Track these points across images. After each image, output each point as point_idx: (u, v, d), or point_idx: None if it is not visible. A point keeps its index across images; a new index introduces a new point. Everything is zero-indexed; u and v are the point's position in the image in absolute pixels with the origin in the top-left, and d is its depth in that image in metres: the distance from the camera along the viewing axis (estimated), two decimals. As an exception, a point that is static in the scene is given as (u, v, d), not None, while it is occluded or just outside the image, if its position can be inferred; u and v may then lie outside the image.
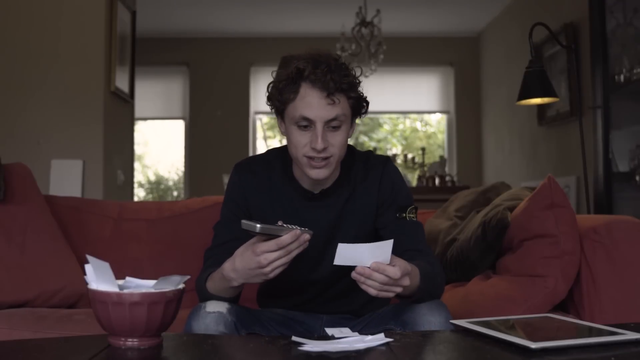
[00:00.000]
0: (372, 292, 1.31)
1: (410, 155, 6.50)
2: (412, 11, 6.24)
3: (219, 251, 1.57)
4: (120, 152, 4.18)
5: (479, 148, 6.94)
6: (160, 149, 7.91)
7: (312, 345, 1.19)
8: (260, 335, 1.48)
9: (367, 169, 1.65)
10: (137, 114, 4.91)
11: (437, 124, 7.63)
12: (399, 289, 1.32)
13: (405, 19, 6.41)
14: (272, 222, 1.34)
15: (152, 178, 8.10)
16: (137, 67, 4.50)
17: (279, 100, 1.53)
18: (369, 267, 1.29)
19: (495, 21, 6.48)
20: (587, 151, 2.95)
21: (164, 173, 8.04)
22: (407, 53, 6.85)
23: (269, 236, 1.32)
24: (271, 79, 1.58)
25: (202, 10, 6.18)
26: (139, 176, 7.88)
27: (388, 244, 1.29)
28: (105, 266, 1.18)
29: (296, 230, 1.32)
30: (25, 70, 3.77)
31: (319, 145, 1.49)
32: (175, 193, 7.83)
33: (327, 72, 1.47)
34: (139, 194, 7.83)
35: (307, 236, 1.34)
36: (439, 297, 1.52)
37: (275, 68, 1.65)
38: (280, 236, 1.31)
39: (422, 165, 6.16)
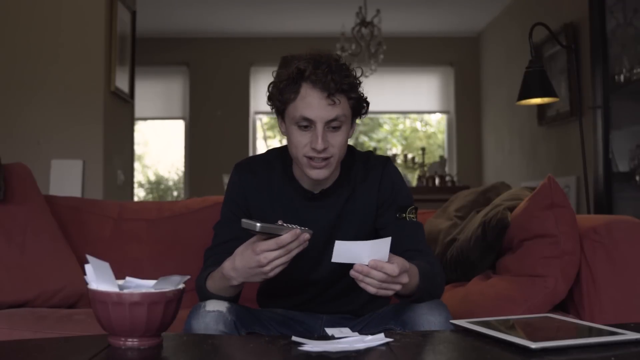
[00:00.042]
0: (371, 290, 1.30)
1: (410, 155, 6.50)
2: (412, 11, 6.24)
3: (219, 251, 1.57)
4: (120, 152, 4.19)
5: (479, 148, 6.94)
6: (160, 149, 7.91)
7: (312, 345, 1.19)
8: (260, 335, 1.48)
9: (367, 169, 1.65)
10: (137, 114, 4.91)
11: (437, 124, 7.64)
12: (398, 287, 1.32)
13: (405, 19, 6.41)
14: (272, 222, 1.34)
15: (152, 178, 8.10)
16: (137, 67, 4.50)
17: (280, 100, 1.53)
18: (367, 265, 1.29)
19: (495, 21, 6.48)
20: (587, 151, 2.95)
21: (164, 173, 8.04)
22: (407, 53, 6.85)
23: (268, 235, 1.32)
24: (271, 79, 1.58)
25: (202, 10, 6.18)
26: (139, 176, 7.88)
27: (386, 242, 1.29)
28: (105, 266, 1.18)
29: (296, 229, 1.32)
30: (25, 70, 3.77)
31: (319, 145, 1.49)
32: (175, 193, 7.83)
33: (327, 72, 1.47)
34: (139, 194, 7.83)
35: (306, 235, 1.34)
36: (438, 297, 1.52)
37: (275, 68, 1.65)
38: (280, 235, 1.31)
39: (422, 165, 6.16)
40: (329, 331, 1.45)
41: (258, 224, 1.29)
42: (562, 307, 1.94)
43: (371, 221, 1.63)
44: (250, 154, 6.85)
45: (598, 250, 1.85)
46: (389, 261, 1.30)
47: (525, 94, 2.70)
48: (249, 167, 1.66)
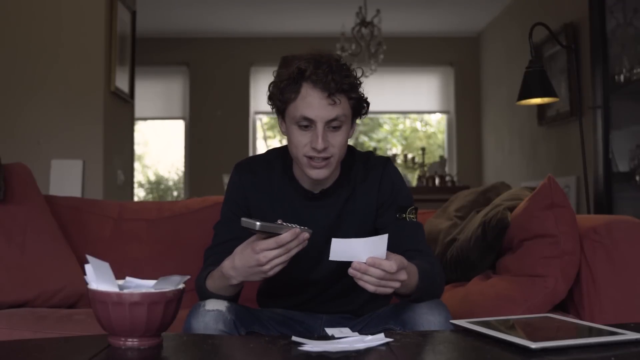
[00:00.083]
0: (370, 288, 1.30)
1: (410, 155, 6.50)
2: (412, 11, 6.24)
3: (219, 250, 1.57)
4: (120, 152, 4.19)
5: (479, 148, 6.94)
6: (160, 149, 7.91)
7: (312, 345, 1.19)
8: (260, 335, 1.48)
9: (367, 170, 1.65)
10: (137, 114, 4.91)
11: (437, 124, 7.64)
12: (396, 284, 1.32)
13: (405, 19, 6.41)
14: (272, 221, 1.34)
15: (152, 178, 8.10)
16: (137, 67, 4.50)
17: (280, 100, 1.53)
18: (364, 263, 1.29)
19: (495, 21, 6.48)
20: (587, 151, 2.95)
21: (164, 173, 8.04)
22: (407, 53, 6.85)
23: (268, 234, 1.32)
24: (271, 79, 1.58)
25: (202, 10, 6.18)
26: (139, 176, 7.88)
27: (383, 239, 1.29)
28: (105, 266, 1.18)
29: (295, 228, 1.32)
30: (25, 70, 3.77)
31: (320, 145, 1.49)
32: (175, 193, 7.83)
33: (328, 72, 1.48)
34: (139, 194, 7.83)
35: (306, 235, 1.34)
36: (438, 297, 1.52)
37: (275, 68, 1.66)
38: (280, 234, 1.31)
39: (422, 165, 6.16)
40: (329, 331, 1.45)
41: (257, 223, 1.29)
42: (562, 307, 1.94)
43: (371, 221, 1.63)
44: (250, 154, 6.85)
45: (598, 250, 1.85)
46: (387, 258, 1.30)
47: (525, 94, 2.70)
48: (249, 167, 1.67)
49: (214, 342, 1.28)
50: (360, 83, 1.55)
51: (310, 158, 1.52)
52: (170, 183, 7.97)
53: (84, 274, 1.21)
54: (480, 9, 6.22)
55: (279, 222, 1.35)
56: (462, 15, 6.41)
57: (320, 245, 1.57)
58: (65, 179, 3.54)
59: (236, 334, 1.44)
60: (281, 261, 1.34)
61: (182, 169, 7.21)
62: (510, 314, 1.75)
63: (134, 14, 4.39)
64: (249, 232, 1.34)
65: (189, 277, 1.24)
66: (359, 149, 1.73)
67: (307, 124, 1.51)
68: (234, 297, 1.51)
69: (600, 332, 1.28)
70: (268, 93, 1.58)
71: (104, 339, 1.23)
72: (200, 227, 2.21)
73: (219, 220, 1.65)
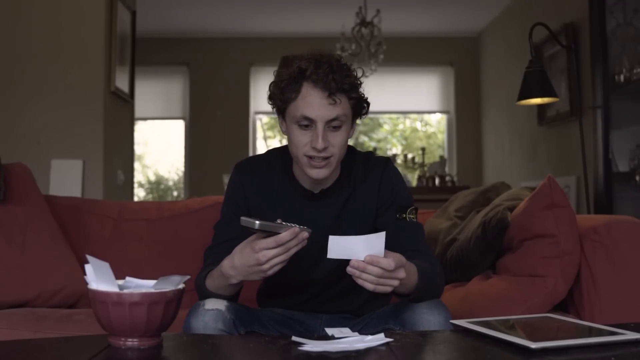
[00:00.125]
0: (369, 286, 1.30)
1: (410, 155, 6.50)
2: (412, 11, 6.24)
3: (219, 250, 1.57)
4: (120, 152, 4.19)
5: (479, 148, 6.94)
6: (160, 149, 7.91)
7: (312, 345, 1.19)
8: (260, 335, 1.48)
9: (367, 170, 1.65)
10: (137, 114, 4.91)
11: (437, 124, 7.63)
12: (395, 282, 1.32)
13: (405, 19, 6.41)
14: (272, 221, 1.34)
15: (152, 178, 8.10)
16: (137, 67, 4.50)
17: (281, 100, 1.54)
18: (363, 261, 1.29)
19: (495, 21, 6.48)
20: (587, 151, 2.95)
21: (164, 173, 8.04)
22: (407, 53, 6.85)
23: (267, 233, 1.32)
24: (271, 79, 1.59)
25: (202, 10, 6.18)
26: (139, 176, 7.88)
27: (380, 236, 1.29)
28: (105, 266, 1.18)
29: (295, 227, 1.32)
30: (26, 70, 3.77)
31: (320, 144, 1.49)
32: (175, 193, 7.83)
33: (329, 72, 1.48)
34: (139, 194, 7.83)
35: (305, 234, 1.34)
36: (438, 297, 1.52)
37: (275, 68, 1.66)
38: (279, 233, 1.31)
39: (422, 165, 6.16)
40: (329, 331, 1.45)
41: (257, 222, 1.29)
42: (562, 307, 1.94)
43: (371, 221, 1.63)
44: (250, 154, 6.85)
45: (598, 250, 1.85)
46: (385, 256, 1.30)
47: (525, 94, 2.70)
48: (249, 167, 1.67)
49: (214, 342, 1.28)
50: (361, 83, 1.56)
51: (310, 158, 1.52)
52: (170, 183, 7.97)
53: (84, 274, 1.21)
54: (480, 9, 6.22)
55: (279, 221, 1.35)
56: (462, 15, 6.41)
57: (320, 245, 1.57)
58: (65, 179, 3.54)
59: (235, 334, 1.44)
60: (280, 260, 1.34)
61: (182, 169, 7.21)
62: (510, 314, 1.75)
63: (134, 14, 4.39)
64: (248, 232, 1.34)
65: (189, 277, 1.24)
66: (359, 149, 1.73)
67: (308, 123, 1.51)
68: (233, 296, 1.51)
69: (600, 332, 1.28)
70: (268, 93, 1.58)
71: (104, 339, 1.23)
72: (200, 227, 2.21)
73: (219, 220, 1.66)
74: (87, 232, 2.27)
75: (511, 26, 5.96)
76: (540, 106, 4.93)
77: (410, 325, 1.43)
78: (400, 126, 8.02)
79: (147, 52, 5.97)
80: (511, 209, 2.02)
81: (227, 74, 6.91)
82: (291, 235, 1.32)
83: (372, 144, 7.82)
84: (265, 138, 7.35)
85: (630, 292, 1.83)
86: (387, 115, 7.69)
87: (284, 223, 1.34)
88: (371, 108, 1.63)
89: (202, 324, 1.42)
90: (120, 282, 1.22)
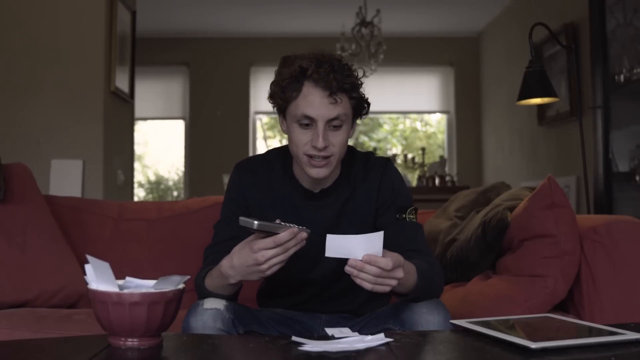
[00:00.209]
0: (367, 286, 1.30)
1: (410, 155, 6.50)
2: (412, 11, 6.24)
3: (219, 249, 1.57)
4: (120, 152, 4.19)
5: (479, 148, 6.94)
6: (160, 149, 7.91)
7: (312, 345, 1.19)
8: (260, 335, 1.48)
9: (367, 170, 1.65)
10: (137, 114, 4.91)
11: (437, 124, 7.64)
12: (393, 282, 1.32)
13: (405, 19, 6.41)
14: (271, 221, 1.34)
15: (152, 178, 8.10)
16: (137, 67, 4.50)
17: (282, 98, 1.54)
18: (361, 260, 1.29)
19: (495, 21, 6.48)
20: (587, 151, 2.96)
21: (164, 173, 8.04)
22: (407, 53, 6.85)
23: (266, 233, 1.32)
24: (271, 79, 1.59)
25: (202, 10, 6.18)
26: (139, 176, 7.88)
27: (378, 236, 1.29)
28: (105, 266, 1.18)
29: (294, 228, 1.33)
30: (25, 70, 3.77)
31: (320, 143, 1.49)
32: (175, 193, 7.83)
33: (330, 71, 1.48)
34: (139, 194, 7.83)
35: (304, 234, 1.34)
36: (437, 297, 1.52)
37: (275, 68, 1.66)
38: (278, 234, 1.31)
39: (422, 165, 6.16)
40: (329, 331, 1.45)
41: (255, 222, 1.29)
42: (562, 307, 1.94)
43: (371, 221, 1.63)
44: (250, 154, 6.85)
45: (598, 250, 1.85)
46: (383, 256, 1.30)
47: (525, 94, 2.70)
48: (249, 167, 1.67)
49: (214, 342, 1.28)
50: (362, 83, 1.56)
51: (310, 157, 1.52)
52: (170, 183, 7.97)
53: (84, 274, 1.21)
54: (480, 9, 6.22)
55: (277, 221, 1.35)
56: (462, 15, 6.41)
57: (319, 245, 1.57)
58: (65, 179, 3.54)
59: (234, 333, 1.44)
60: (279, 260, 1.34)
61: (182, 169, 7.21)
62: (510, 314, 1.75)
63: (134, 14, 4.39)
64: (247, 231, 1.34)
65: (189, 277, 1.24)
66: (359, 149, 1.73)
67: (308, 122, 1.51)
68: (232, 296, 1.51)
69: (600, 332, 1.28)
70: (269, 92, 1.58)
71: (104, 339, 1.23)
72: (200, 227, 2.21)
73: (218, 220, 1.66)
74: (87, 232, 2.27)
75: (511, 26, 5.96)
76: (540, 106, 4.93)
77: (409, 325, 1.43)
78: (400, 126, 8.02)
79: (147, 52, 5.97)
80: (511, 209, 2.02)
81: (227, 74, 6.91)
82: (290, 236, 1.32)
83: (372, 144, 7.82)
84: (265, 138, 7.35)
85: (630, 292, 1.83)
86: (387, 115, 7.69)
87: (282, 223, 1.34)
88: (371, 108, 1.63)
89: (201, 323, 1.42)
90: (120, 282, 1.22)
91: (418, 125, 7.91)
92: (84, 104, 3.78)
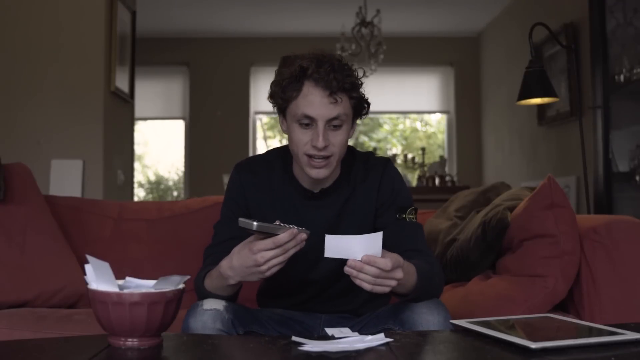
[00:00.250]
0: (366, 286, 1.30)
1: (410, 155, 6.50)
2: (412, 11, 6.24)
3: (219, 249, 1.57)
4: (120, 152, 4.19)
5: (479, 148, 6.94)
6: (160, 149, 7.91)
7: (312, 345, 1.19)
8: (260, 335, 1.48)
9: (367, 170, 1.65)
10: (137, 114, 4.91)
11: (437, 124, 7.63)
12: (393, 283, 1.32)
13: (405, 19, 6.41)
14: (271, 221, 1.34)
15: (152, 178, 8.10)
16: (137, 67, 4.50)
17: (282, 98, 1.54)
18: (360, 261, 1.29)
19: (495, 21, 6.48)
20: (587, 151, 2.95)
21: (164, 173, 8.04)
22: (407, 53, 6.85)
23: (266, 234, 1.32)
24: (271, 79, 1.59)
25: (202, 10, 6.18)
26: (139, 176, 7.88)
27: (377, 236, 1.29)
28: (105, 266, 1.18)
29: (293, 229, 1.32)
30: (25, 70, 3.77)
31: (320, 143, 1.49)
32: (175, 193, 7.83)
33: (330, 71, 1.48)
34: (139, 194, 7.83)
35: (303, 235, 1.34)
36: (437, 297, 1.52)
37: (275, 68, 1.66)
38: (277, 235, 1.31)
39: (422, 165, 6.16)
40: (329, 331, 1.45)
41: (255, 223, 1.29)
42: (562, 307, 1.94)
43: (371, 221, 1.63)
44: (250, 154, 6.85)
45: (598, 250, 1.85)
46: (382, 256, 1.30)
47: (525, 94, 2.70)
48: (249, 167, 1.67)
49: (214, 342, 1.28)
50: (362, 83, 1.56)
51: (310, 157, 1.52)
52: (170, 183, 7.97)
53: (84, 274, 1.21)
54: (480, 9, 6.22)
55: (277, 222, 1.35)
56: (462, 15, 6.41)
57: (319, 245, 1.57)
58: (65, 179, 3.54)
59: (234, 334, 1.44)
60: (278, 262, 1.34)
61: (182, 169, 7.21)
62: (510, 314, 1.75)
63: (134, 14, 4.39)
64: (247, 232, 1.34)
65: (189, 277, 1.24)
66: (359, 149, 1.73)
67: (308, 122, 1.51)
68: (232, 296, 1.51)
69: (600, 332, 1.28)
70: (269, 91, 1.58)
71: (104, 339, 1.23)
72: (200, 227, 2.21)
73: (218, 220, 1.66)
74: (87, 232, 2.27)
75: (511, 26, 5.96)
76: (540, 106, 4.93)
77: (409, 325, 1.43)
78: (400, 126, 8.02)
79: (147, 52, 5.97)
80: (511, 209, 2.02)
81: (227, 74, 6.91)
82: (289, 237, 1.32)
83: (372, 144, 7.82)
84: (265, 138, 7.35)
85: (630, 292, 1.82)
86: (387, 115, 7.69)
87: (282, 224, 1.34)
88: (371, 108, 1.63)
89: (200, 324, 1.42)
90: (120, 282, 1.22)
91: (418, 125, 7.91)
92: (84, 104, 3.78)
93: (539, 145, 5.26)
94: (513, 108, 5.72)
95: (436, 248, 2.20)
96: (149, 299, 1.16)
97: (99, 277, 1.18)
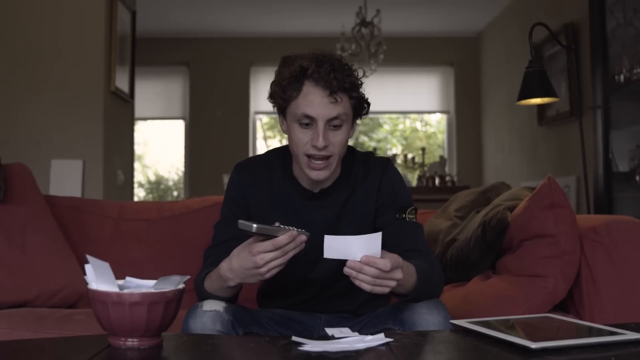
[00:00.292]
0: (366, 287, 1.30)
1: (410, 155, 6.50)
2: (412, 11, 6.24)
3: (219, 250, 1.57)
4: (120, 152, 4.19)
5: (479, 148, 6.94)
6: (160, 149, 7.91)
7: (312, 345, 1.19)
8: (260, 335, 1.48)
9: (367, 170, 1.65)
10: (137, 114, 4.91)
11: (437, 124, 7.64)
12: (392, 283, 1.32)
13: (405, 19, 6.41)
14: (270, 223, 1.34)
15: (152, 178, 8.10)
16: (137, 67, 4.50)
17: (282, 98, 1.54)
18: (359, 262, 1.29)
19: (495, 21, 6.48)
20: (587, 151, 2.96)
21: (164, 173, 8.04)
22: (407, 53, 6.85)
23: (265, 236, 1.32)
24: (271, 79, 1.59)
25: (202, 10, 6.18)
26: (139, 176, 7.88)
27: (377, 237, 1.29)
28: (105, 266, 1.18)
29: (293, 231, 1.32)
30: (26, 70, 3.77)
31: (320, 143, 1.49)
32: (175, 193, 7.83)
33: (330, 71, 1.48)
34: (139, 194, 7.83)
35: (303, 237, 1.34)
36: (437, 297, 1.52)
37: (275, 68, 1.67)
38: (277, 237, 1.31)
39: (422, 165, 6.16)
40: (329, 331, 1.45)
41: (254, 225, 1.29)
42: (562, 307, 1.94)
43: (371, 221, 1.63)
44: (250, 154, 6.85)
45: (598, 250, 1.85)
46: (382, 257, 1.30)
47: (525, 94, 2.70)
48: (249, 167, 1.67)
49: (214, 342, 1.28)
50: (362, 83, 1.56)
51: (310, 157, 1.52)
52: (170, 183, 7.97)
53: (84, 274, 1.21)
54: (480, 9, 6.22)
55: (277, 224, 1.35)
56: (462, 15, 6.41)
57: (319, 245, 1.57)
58: (65, 179, 3.54)
59: (234, 335, 1.44)
60: (278, 264, 1.34)
61: (182, 169, 7.21)
62: (510, 314, 1.75)
63: (134, 14, 4.40)
64: (246, 234, 1.34)
65: (189, 277, 1.24)
66: (359, 149, 1.73)
67: (308, 122, 1.51)
68: (232, 298, 1.51)
69: (600, 332, 1.28)
70: (269, 91, 1.58)
71: (104, 339, 1.23)
72: (200, 227, 2.21)
73: (218, 221, 1.66)
74: (87, 232, 2.27)
75: (511, 26, 5.96)
76: (540, 106, 4.93)
77: (409, 325, 1.43)
78: (400, 126, 8.02)
79: (147, 52, 5.97)
80: (511, 209, 2.02)
81: (227, 74, 6.91)
82: (289, 239, 1.32)
83: (372, 144, 7.82)
84: (265, 138, 7.35)
85: (630, 292, 1.82)
86: (387, 115, 7.69)
87: (281, 226, 1.34)
88: (371, 108, 1.63)
89: (200, 325, 1.42)
90: (120, 282, 1.22)
91: (418, 125, 7.91)
92: (84, 104, 3.78)
93: (539, 145, 5.26)
94: (513, 108, 5.72)
95: (436, 248, 2.20)
96: (149, 299, 1.16)
97: (99, 277, 1.18)
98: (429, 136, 7.76)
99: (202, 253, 1.64)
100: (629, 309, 1.81)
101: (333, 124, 1.51)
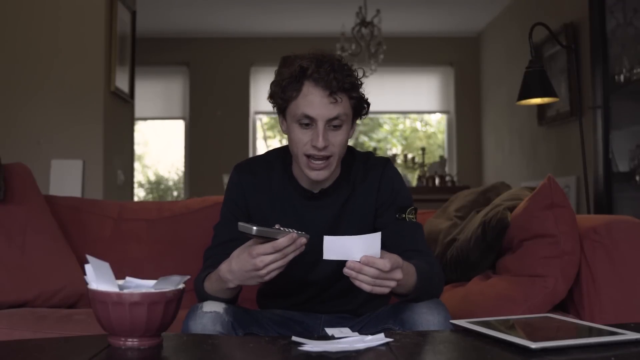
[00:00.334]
0: (366, 287, 1.30)
1: (410, 155, 6.50)
2: (412, 11, 6.24)
3: (219, 251, 1.57)
4: (120, 152, 4.19)
5: (479, 148, 6.94)
6: (160, 149, 7.91)
7: (312, 345, 1.19)
8: (260, 336, 1.48)
9: (367, 170, 1.65)
10: (137, 114, 4.91)
11: (437, 124, 7.63)
12: (392, 283, 1.32)
13: (405, 19, 6.41)
14: (270, 224, 1.34)
15: (152, 178, 8.10)
16: (137, 67, 4.50)
17: (282, 98, 1.54)
18: (359, 262, 1.29)
19: (495, 21, 6.48)
20: (587, 151, 2.96)
21: (164, 173, 8.04)
22: (407, 53, 6.85)
23: (265, 239, 1.32)
24: (271, 79, 1.59)
25: (202, 10, 6.18)
26: (139, 176, 7.88)
27: (376, 237, 1.29)
28: (105, 266, 1.18)
29: (293, 233, 1.32)
30: (26, 70, 3.77)
31: (320, 143, 1.49)
32: (175, 193, 7.83)
33: (330, 71, 1.48)
34: (139, 194, 7.83)
35: (303, 240, 1.34)
36: (437, 297, 1.52)
37: (275, 68, 1.66)
38: (277, 239, 1.31)
39: (422, 165, 6.16)
40: (329, 331, 1.45)
41: (254, 228, 1.29)
42: (562, 307, 1.94)
43: (371, 221, 1.63)
44: (250, 154, 6.85)
45: (598, 250, 1.85)
46: (381, 257, 1.30)
47: (525, 94, 2.70)
48: (248, 168, 1.67)
49: (214, 342, 1.28)
50: (362, 83, 1.56)
51: (310, 157, 1.52)
52: (170, 183, 7.97)
53: (84, 274, 1.21)
54: (480, 9, 6.22)
55: (277, 226, 1.35)
56: (462, 15, 6.41)
57: (319, 246, 1.57)
58: (65, 179, 3.54)
59: (234, 336, 1.44)
60: (278, 266, 1.34)
61: (182, 169, 7.21)
62: (510, 314, 1.75)
63: (134, 14, 4.40)
64: (246, 236, 1.34)
65: (189, 277, 1.24)
66: (359, 149, 1.73)
67: (308, 122, 1.51)
68: (232, 299, 1.51)
69: (600, 332, 1.28)
70: (269, 91, 1.58)
71: (104, 339, 1.23)
72: (200, 227, 2.21)
73: (218, 221, 1.66)
74: (87, 232, 2.27)
75: (511, 26, 5.96)
76: (540, 106, 4.93)
77: (409, 325, 1.43)
78: (400, 126, 8.02)
79: (147, 52, 5.97)
80: (511, 209, 2.02)
81: (227, 74, 6.91)
82: (289, 241, 1.32)
83: (372, 144, 7.82)
84: (265, 138, 7.35)
85: (630, 292, 1.82)
86: (387, 115, 7.69)
87: (281, 228, 1.34)
88: (371, 108, 1.63)
89: (200, 326, 1.42)
90: (120, 282, 1.22)
91: (418, 125, 7.91)
92: (84, 104, 3.78)
93: (539, 145, 5.26)
94: (513, 108, 5.72)
95: (436, 248, 2.20)
96: (149, 299, 1.16)
97: (99, 277, 1.18)
98: (429, 136, 7.76)
99: (202, 253, 1.64)
100: (629, 309, 1.81)
101: (333, 124, 1.51)
